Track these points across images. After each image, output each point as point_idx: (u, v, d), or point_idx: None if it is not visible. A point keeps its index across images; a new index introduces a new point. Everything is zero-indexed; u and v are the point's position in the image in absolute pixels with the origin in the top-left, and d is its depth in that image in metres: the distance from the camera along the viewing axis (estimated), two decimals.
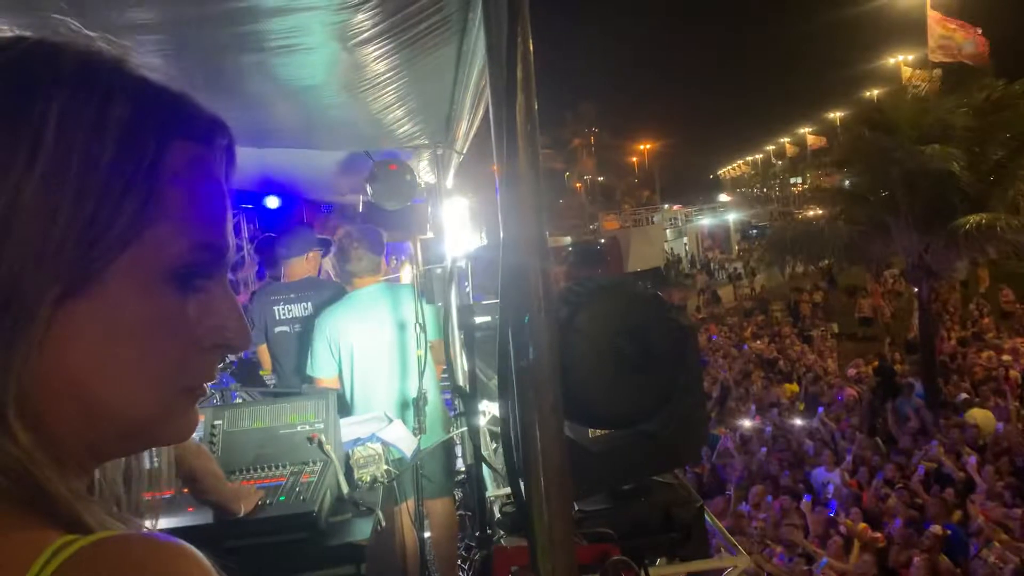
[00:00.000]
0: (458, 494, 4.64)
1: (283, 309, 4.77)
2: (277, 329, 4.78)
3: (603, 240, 36.50)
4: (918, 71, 21.46)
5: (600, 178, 64.84)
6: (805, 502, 9.03)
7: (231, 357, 4.80)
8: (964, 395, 13.36)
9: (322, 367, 4.28)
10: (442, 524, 4.37)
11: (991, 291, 22.46)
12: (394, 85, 3.38)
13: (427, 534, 4.35)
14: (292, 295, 4.80)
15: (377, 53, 3.00)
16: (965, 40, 16.29)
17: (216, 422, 3.21)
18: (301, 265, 4.92)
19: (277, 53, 2.87)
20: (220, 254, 0.68)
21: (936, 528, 7.99)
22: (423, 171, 5.54)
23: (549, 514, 1.42)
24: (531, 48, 1.35)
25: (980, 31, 16.25)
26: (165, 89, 0.66)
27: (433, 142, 4.78)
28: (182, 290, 0.65)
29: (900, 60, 28.56)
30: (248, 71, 3.06)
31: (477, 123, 4.21)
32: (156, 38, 2.53)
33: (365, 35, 2.77)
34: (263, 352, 4.91)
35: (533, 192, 1.36)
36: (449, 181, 5.23)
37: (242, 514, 2.68)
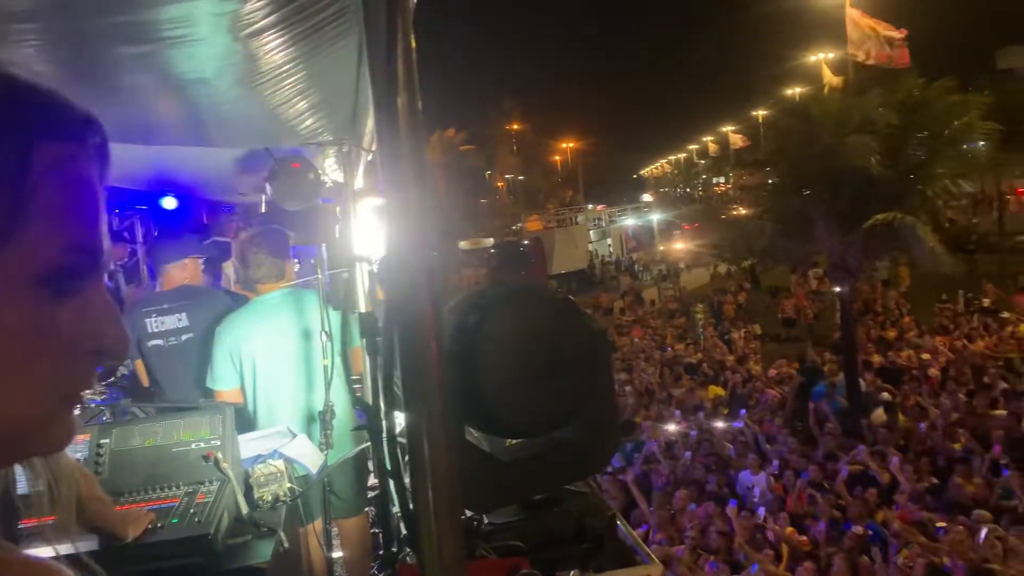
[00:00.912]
0: (372, 511, 4.46)
1: (155, 321, 4.42)
2: (151, 343, 4.43)
3: (526, 241, 36.64)
4: (837, 71, 22.08)
5: (522, 177, 65.13)
6: (731, 507, 9.11)
7: (122, 370, 4.55)
8: (885, 394, 13.73)
9: (222, 379, 4.05)
10: (354, 544, 4.20)
11: (911, 290, 23.25)
12: (293, 78, 3.24)
13: (339, 554, 4.18)
14: (165, 306, 4.45)
15: (272, 45, 2.86)
16: (884, 39, 16.73)
17: (103, 441, 3.02)
18: (176, 273, 4.58)
19: (163, 44, 2.70)
20: (94, 257, 0.66)
21: (857, 529, 8.17)
22: (330, 169, 5.36)
23: (438, 531, 1.32)
24: (412, 43, 1.26)
25: (899, 31, 16.72)
26: (32, 87, 0.64)
27: (339, 138, 4.61)
28: (55, 294, 0.63)
29: (822, 58, 29.37)
30: (132, 63, 2.87)
31: None
32: (32, 27, 2.38)
33: (257, 26, 2.63)
34: (140, 368, 4.60)
35: (419, 194, 1.26)
36: (358, 180, 5.06)
37: (131, 539, 2.52)
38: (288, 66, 3.11)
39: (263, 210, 5.56)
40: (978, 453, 9.82)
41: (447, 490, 1.31)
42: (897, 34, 16.63)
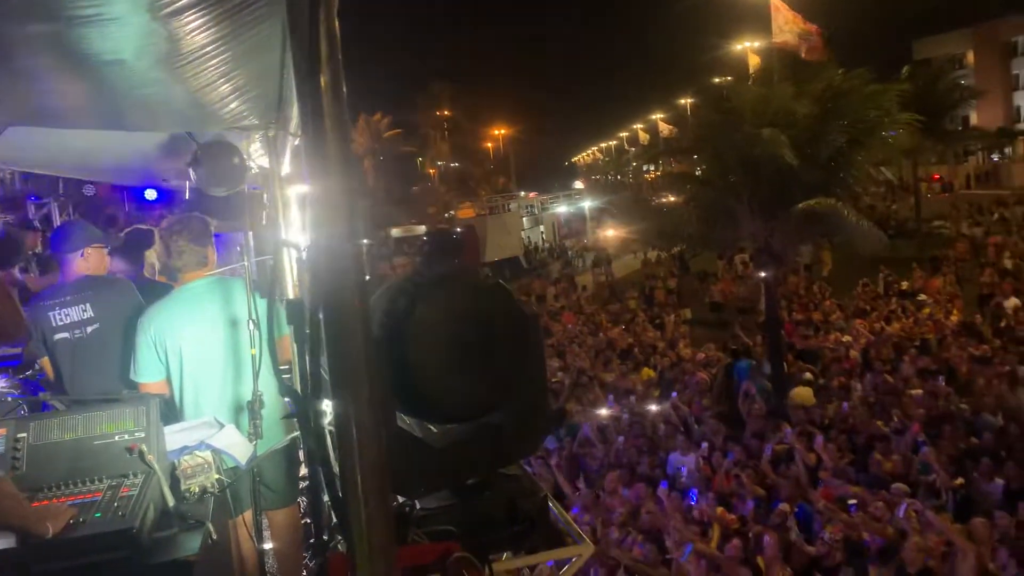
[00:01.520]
0: (304, 501, 4.40)
1: (59, 314, 4.26)
2: (56, 337, 4.28)
3: (459, 229, 36.46)
4: (762, 60, 22.49)
5: (455, 164, 64.82)
6: (662, 488, 9.25)
7: (37, 365, 4.39)
8: (808, 375, 14.10)
9: (147, 371, 3.94)
10: (285, 535, 4.13)
11: (832, 274, 23.92)
12: (215, 60, 3.15)
13: (270, 545, 4.12)
14: (68, 297, 4.29)
15: (193, 25, 2.77)
16: (803, 33, 17.13)
17: (20, 435, 2.93)
18: (77, 263, 4.41)
19: (74, 23, 2.59)
20: None
21: (784, 506, 8.40)
22: (256, 155, 5.24)
23: (367, 515, 1.32)
24: (336, 23, 1.24)
25: (816, 28, 17.13)
26: None
27: (264, 123, 4.51)
28: None
29: (747, 47, 29.85)
30: (40, 43, 2.74)
31: None
32: None
33: (177, 5, 2.55)
34: (47, 365, 4.42)
35: (343, 178, 1.24)
36: (285, 166, 4.96)
37: (50, 535, 2.44)
38: (210, 47, 3.02)
39: (188, 196, 5.41)
40: (897, 431, 10.20)
41: (375, 474, 1.31)
42: (812, 28, 17.08)
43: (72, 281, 4.40)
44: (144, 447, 2.80)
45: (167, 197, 6.93)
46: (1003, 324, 15.72)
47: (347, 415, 1.31)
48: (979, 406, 10.82)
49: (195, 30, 2.81)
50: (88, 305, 4.27)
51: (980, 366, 12.59)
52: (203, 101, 3.75)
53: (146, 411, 2.94)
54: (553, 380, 15.36)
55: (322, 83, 1.18)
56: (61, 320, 4.26)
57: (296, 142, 4.84)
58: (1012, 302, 17.01)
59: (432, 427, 2.44)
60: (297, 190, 4.25)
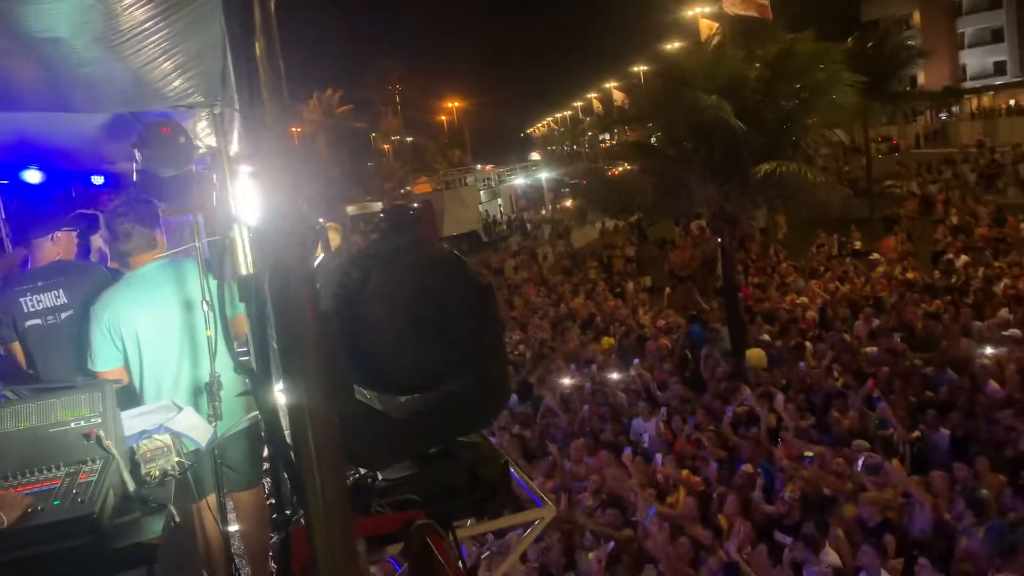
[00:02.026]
0: (269, 482, 4.39)
1: (31, 300, 4.19)
2: (28, 323, 4.21)
3: (416, 204, 36.33)
4: (714, 24, 22.55)
5: (409, 139, 64.26)
6: (626, 454, 9.36)
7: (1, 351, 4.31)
8: (767, 337, 14.33)
9: (104, 359, 3.88)
10: (251, 516, 4.13)
11: (787, 237, 24.22)
12: (155, 37, 3.08)
13: (235, 527, 4.10)
14: (40, 283, 4.21)
15: (130, 0, 2.70)
16: None
17: None
18: (48, 248, 4.36)
19: (9, 1, 2.51)
20: None
21: (747, 467, 8.57)
22: (203, 134, 5.14)
23: (321, 478, 1.33)
24: None
25: None
26: None
27: (210, 100, 4.43)
28: None
29: (698, 12, 29.91)
30: None
31: None
32: None
33: None
34: (17, 351, 4.35)
35: (282, 149, 1.22)
36: (233, 144, 4.88)
37: (6, 525, 2.41)
38: (149, 24, 2.96)
39: (135, 179, 5.29)
40: (850, 387, 10.42)
41: (327, 438, 1.31)
42: None
43: (44, 266, 4.33)
44: (101, 432, 2.77)
45: (115, 182, 6.78)
46: (953, 280, 16.10)
47: (297, 386, 1.31)
48: (932, 360, 11.09)
49: (132, 5, 2.75)
50: (61, 291, 4.19)
51: (933, 322, 12.90)
52: (145, 79, 3.67)
53: (102, 396, 2.89)
54: (515, 353, 15.43)
55: (257, 49, 1.16)
56: (33, 306, 4.17)
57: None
58: (963, 259, 17.44)
59: (392, 399, 2.45)
60: (247, 168, 4.18)
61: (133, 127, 4.66)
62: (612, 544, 7.41)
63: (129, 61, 3.31)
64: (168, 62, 3.51)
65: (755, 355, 12.80)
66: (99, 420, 2.85)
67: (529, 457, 10.26)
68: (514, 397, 12.90)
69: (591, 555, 7.20)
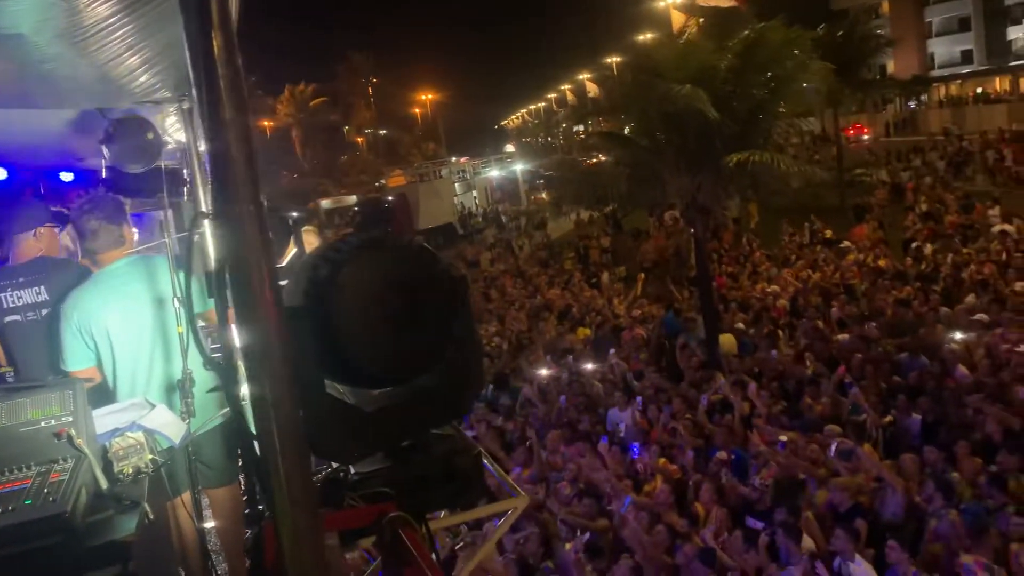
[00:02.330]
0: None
1: (11, 296, 4.17)
2: (7, 319, 4.19)
3: (390, 197, 36.12)
4: (685, 15, 22.65)
5: (383, 132, 63.91)
6: (602, 444, 9.40)
7: None
8: (740, 325, 14.43)
9: (75, 359, 3.86)
10: (227, 513, 4.12)
11: (759, 226, 24.36)
12: (119, 32, 3.05)
13: (211, 524, 4.09)
14: (21, 279, 4.19)
15: None
16: None
17: None
18: (29, 244, 4.31)
19: None
20: None
21: (721, 454, 8.65)
22: (172, 129, 5.09)
23: (286, 471, 1.34)
24: None
25: None
26: None
27: (178, 95, 4.39)
28: None
29: (670, 3, 29.95)
30: None
31: None
32: None
33: None
34: None
35: (241, 143, 1.22)
36: (201, 139, 4.84)
37: None
38: (113, 19, 2.93)
39: (104, 175, 5.24)
40: (822, 374, 10.54)
41: (291, 432, 1.32)
42: None
43: (25, 263, 4.28)
44: (72, 431, 2.75)
45: (84, 178, 6.70)
46: (923, 267, 16.30)
47: (259, 380, 1.31)
48: (906, 346, 11.24)
49: (95, 2, 2.72)
50: (43, 288, 4.15)
51: (903, 308, 13.07)
52: (111, 75, 3.63)
53: (73, 395, 2.88)
54: (492, 344, 15.45)
55: (215, 45, 1.16)
56: (13, 302, 4.13)
57: None
58: (930, 247, 17.67)
59: (365, 393, 2.45)
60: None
61: (101, 123, 4.61)
62: (588, 535, 7.45)
63: (94, 57, 3.28)
64: (134, 57, 3.48)
65: (727, 341, 12.91)
66: (70, 419, 2.83)
67: (508, 449, 10.30)
68: (492, 389, 12.95)
69: (568, 546, 7.24)
